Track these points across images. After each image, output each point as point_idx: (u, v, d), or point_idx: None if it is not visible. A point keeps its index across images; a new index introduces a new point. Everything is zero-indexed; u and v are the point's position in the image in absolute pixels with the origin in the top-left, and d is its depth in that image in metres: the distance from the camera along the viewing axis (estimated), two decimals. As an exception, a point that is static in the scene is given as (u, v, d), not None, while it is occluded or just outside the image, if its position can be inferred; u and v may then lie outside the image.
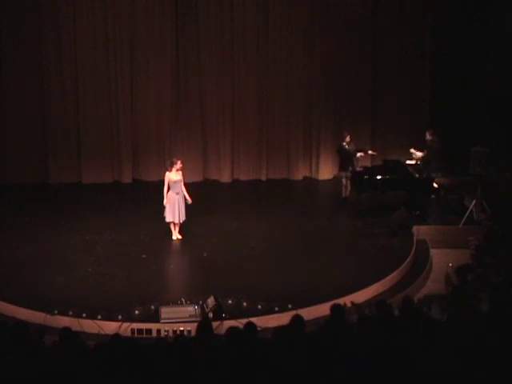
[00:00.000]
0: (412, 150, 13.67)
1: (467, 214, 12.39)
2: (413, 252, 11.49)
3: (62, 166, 15.32)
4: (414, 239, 11.99)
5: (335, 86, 15.58)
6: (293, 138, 15.74)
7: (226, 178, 15.71)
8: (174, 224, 11.73)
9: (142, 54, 15.11)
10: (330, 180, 15.81)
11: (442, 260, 11.37)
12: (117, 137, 15.46)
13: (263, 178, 15.75)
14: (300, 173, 15.95)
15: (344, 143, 13.61)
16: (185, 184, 11.79)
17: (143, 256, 11.16)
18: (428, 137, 13.41)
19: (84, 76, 15.04)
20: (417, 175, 12.89)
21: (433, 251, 11.91)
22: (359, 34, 15.29)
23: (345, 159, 13.64)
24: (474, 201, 12.47)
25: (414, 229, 12.25)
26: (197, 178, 15.45)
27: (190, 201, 11.63)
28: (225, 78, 15.33)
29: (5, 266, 10.64)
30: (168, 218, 11.62)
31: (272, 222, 12.78)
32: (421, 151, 13.50)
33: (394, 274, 10.56)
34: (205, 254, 11.23)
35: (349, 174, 13.55)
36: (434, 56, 15.20)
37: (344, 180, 13.73)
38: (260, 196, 15.20)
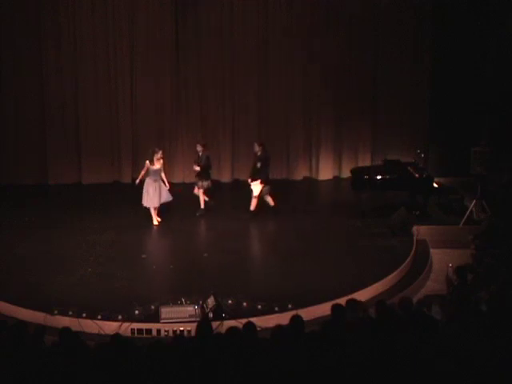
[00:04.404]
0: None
1: (467, 213, 12.40)
2: (413, 252, 11.48)
3: (62, 167, 15.33)
4: (414, 239, 11.98)
5: (335, 87, 15.57)
6: (293, 138, 15.74)
7: (225, 178, 15.71)
8: (154, 208, 12.21)
9: (142, 54, 15.13)
10: (330, 180, 15.84)
11: (442, 260, 11.35)
12: (117, 137, 15.48)
13: (263, 178, 15.74)
14: (300, 173, 15.96)
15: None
16: (166, 173, 12.43)
17: (143, 256, 11.17)
18: (256, 148, 12.73)
19: (84, 76, 15.07)
20: (417, 175, 12.89)
21: (433, 251, 11.90)
22: (359, 34, 15.28)
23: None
24: (474, 201, 12.48)
25: (414, 229, 12.24)
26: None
27: (167, 186, 12.28)
28: (225, 78, 15.33)
29: (5, 265, 10.63)
30: (146, 204, 12.18)
31: (272, 222, 12.77)
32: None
33: (394, 274, 10.55)
34: (205, 255, 11.22)
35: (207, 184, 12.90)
36: (434, 56, 15.19)
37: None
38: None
